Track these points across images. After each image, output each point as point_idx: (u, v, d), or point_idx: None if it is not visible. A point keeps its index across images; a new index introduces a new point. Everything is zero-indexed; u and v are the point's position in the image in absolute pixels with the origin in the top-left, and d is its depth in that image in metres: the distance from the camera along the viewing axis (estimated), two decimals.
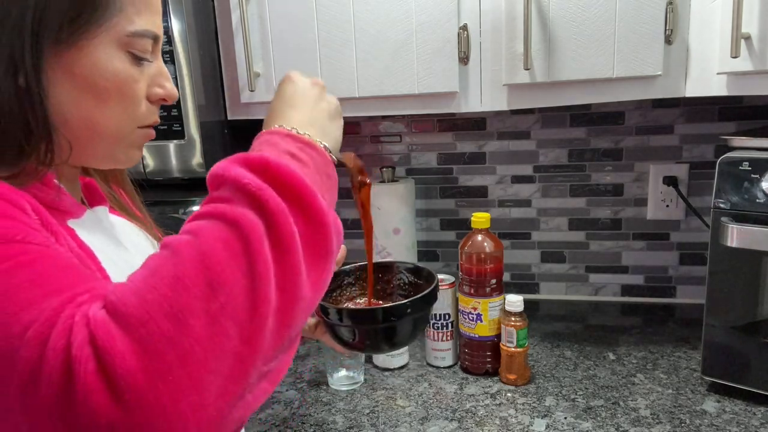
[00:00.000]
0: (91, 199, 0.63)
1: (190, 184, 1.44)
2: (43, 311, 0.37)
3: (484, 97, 1.05)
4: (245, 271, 0.40)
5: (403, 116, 1.42)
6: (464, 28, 1.02)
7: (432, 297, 0.70)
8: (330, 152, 0.53)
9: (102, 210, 0.62)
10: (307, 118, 0.55)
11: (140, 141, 0.58)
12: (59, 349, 0.35)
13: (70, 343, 0.35)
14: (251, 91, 1.11)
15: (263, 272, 0.40)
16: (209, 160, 1.11)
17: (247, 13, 1.07)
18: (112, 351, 0.35)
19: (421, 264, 0.82)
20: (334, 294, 0.79)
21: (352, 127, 1.46)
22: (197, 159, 1.09)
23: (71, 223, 0.55)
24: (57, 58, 0.49)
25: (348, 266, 0.81)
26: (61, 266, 0.42)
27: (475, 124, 1.39)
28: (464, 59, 1.03)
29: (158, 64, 0.57)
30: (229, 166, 0.45)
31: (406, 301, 0.67)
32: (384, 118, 1.43)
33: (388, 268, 0.83)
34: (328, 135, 0.56)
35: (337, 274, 0.78)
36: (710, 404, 0.95)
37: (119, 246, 0.61)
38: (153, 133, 0.59)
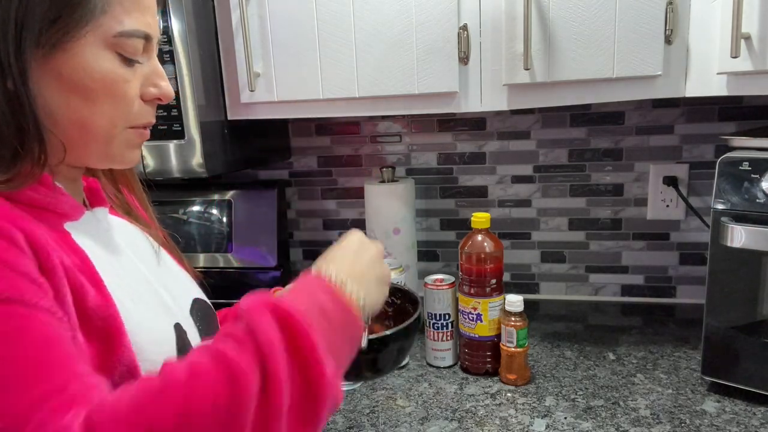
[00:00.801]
0: (93, 200, 0.63)
1: (189, 184, 1.43)
2: (19, 412, 0.38)
3: (484, 97, 1.05)
4: (223, 427, 0.41)
5: (403, 116, 1.42)
6: (464, 28, 1.02)
7: (416, 326, 0.69)
8: (364, 315, 0.54)
9: (102, 211, 0.62)
10: (357, 273, 0.56)
11: (135, 141, 0.58)
12: None
13: None
14: (251, 91, 1.10)
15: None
16: (209, 160, 1.11)
17: (247, 13, 1.07)
18: None
19: (403, 286, 0.79)
20: None
21: (352, 127, 1.46)
22: (197, 159, 1.09)
23: (68, 225, 0.55)
24: (44, 61, 0.49)
25: None
26: (50, 340, 0.42)
27: (475, 124, 1.39)
28: (464, 59, 1.03)
29: (153, 63, 0.57)
30: (258, 306, 0.47)
31: (388, 332, 0.65)
32: (384, 118, 1.43)
33: None
34: (370, 297, 0.57)
35: None
36: (710, 404, 0.95)
37: (116, 249, 0.60)
38: (147, 133, 0.59)
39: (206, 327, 0.66)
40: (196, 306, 0.66)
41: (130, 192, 0.69)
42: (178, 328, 0.59)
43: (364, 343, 0.56)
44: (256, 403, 0.42)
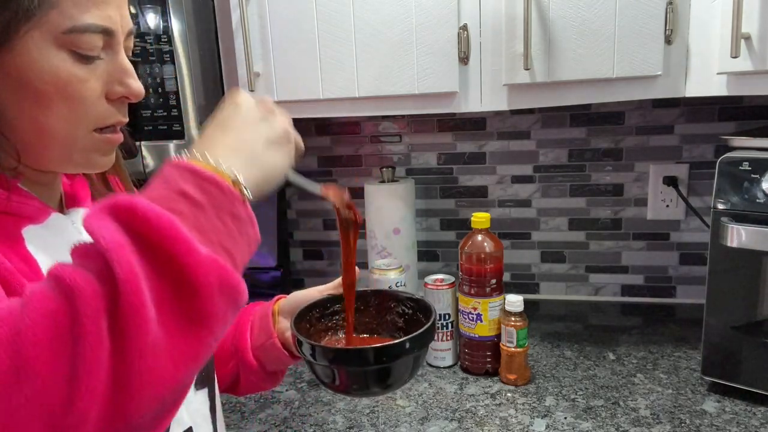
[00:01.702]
0: (72, 201, 0.60)
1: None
2: None
3: (484, 97, 1.05)
4: (68, 355, 0.35)
5: (403, 116, 1.42)
6: (464, 28, 1.02)
7: (431, 333, 0.62)
8: (244, 187, 0.45)
9: (76, 213, 0.59)
10: (233, 144, 0.48)
11: (102, 145, 0.53)
12: None
13: None
14: (251, 91, 1.11)
15: (90, 357, 0.35)
16: None
17: (247, 13, 1.07)
18: None
19: (414, 294, 0.72)
20: (321, 323, 0.71)
21: (352, 127, 1.46)
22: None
23: (28, 229, 0.52)
24: None
25: (337, 293, 0.71)
26: None
27: (475, 124, 1.39)
28: (464, 59, 1.03)
29: (118, 60, 0.52)
30: (93, 214, 0.40)
31: (401, 339, 0.58)
32: (384, 118, 1.43)
33: (379, 296, 0.74)
34: (256, 165, 0.48)
35: (323, 302, 0.71)
36: (710, 404, 0.95)
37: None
38: (117, 136, 0.54)
39: None
40: None
41: (120, 190, 0.65)
42: None
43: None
44: (106, 316, 0.36)
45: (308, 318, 0.68)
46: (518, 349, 1.04)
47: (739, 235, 0.88)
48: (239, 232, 0.44)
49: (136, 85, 0.53)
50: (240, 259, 0.44)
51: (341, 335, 0.72)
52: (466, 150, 1.41)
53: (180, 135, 1.08)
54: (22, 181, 0.53)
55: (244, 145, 0.48)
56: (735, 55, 0.83)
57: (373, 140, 1.45)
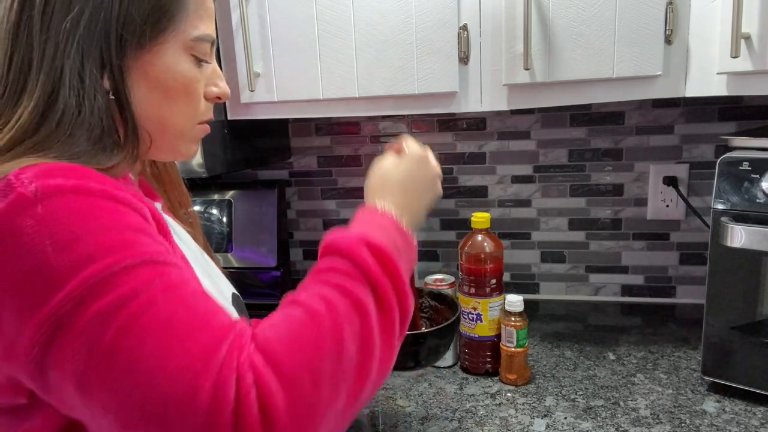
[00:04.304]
0: (148, 196, 0.65)
1: (189, 184, 1.43)
2: (207, 347, 0.42)
3: (484, 97, 1.05)
4: (360, 347, 0.48)
5: (403, 116, 1.42)
6: (464, 28, 1.01)
7: (456, 325, 0.85)
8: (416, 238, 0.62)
9: (158, 206, 0.64)
10: (410, 205, 0.64)
11: (199, 135, 0.63)
12: (230, 388, 0.41)
13: (239, 383, 0.41)
14: (251, 91, 1.10)
15: (370, 350, 0.49)
16: (209, 160, 1.11)
17: (247, 13, 1.07)
18: (270, 399, 0.42)
19: (444, 291, 0.95)
20: None
21: (352, 128, 1.46)
22: (197, 159, 1.09)
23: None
24: (135, 60, 0.54)
25: None
26: (198, 292, 0.47)
27: (475, 124, 1.39)
28: (464, 59, 1.03)
29: (214, 65, 0.62)
30: (356, 246, 0.52)
31: (433, 328, 0.82)
32: (384, 118, 1.43)
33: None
34: (417, 218, 0.66)
35: None
36: (710, 404, 0.95)
37: (183, 242, 0.63)
38: (208, 128, 0.64)
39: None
40: (235, 299, 0.68)
41: (171, 190, 0.72)
42: None
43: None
44: (378, 327, 0.50)
45: None
46: (518, 349, 1.04)
47: (739, 235, 0.88)
48: (411, 270, 0.60)
49: (227, 87, 0.64)
50: None
51: None
52: (466, 150, 1.41)
53: None
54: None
55: (416, 208, 0.66)
56: (735, 55, 0.83)
57: (373, 140, 1.45)
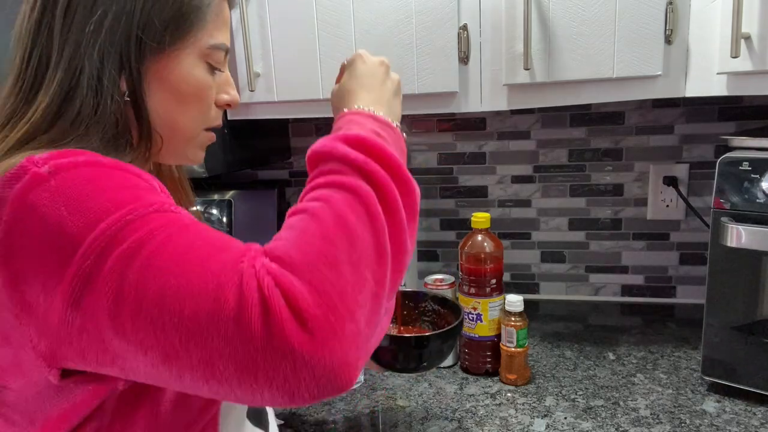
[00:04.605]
0: None
1: (190, 184, 1.43)
2: (226, 263, 0.44)
3: (484, 97, 1.05)
4: (370, 229, 0.48)
5: (403, 116, 1.41)
6: (464, 28, 1.01)
7: (459, 329, 0.85)
8: (397, 126, 0.62)
9: None
10: (377, 98, 0.64)
11: (206, 141, 0.64)
12: (254, 291, 0.42)
13: (261, 287, 0.42)
14: (251, 91, 1.10)
15: (381, 229, 0.49)
16: (209, 159, 1.11)
17: (247, 13, 1.07)
18: (294, 292, 0.42)
19: (446, 296, 0.95)
20: None
21: None
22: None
23: None
24: (153, 64, 0.55)
25: None
26: (209, 228, 0.48)
27: (475, 124, 1.39)
28: (464, 59, 1.03)
29: (226, 73, 0.64)
30: (333, 144, 0.52)
31: (438, 331, 0.83)
32: None
33: (414, 297, 0.96)
34: (393, 112, 0.66)
35: None
36: (710, 404, 0.95)
37: None
38: (214, 135, 0.65)
39: None
40: None
41: (175, 190, 0.72)
42: None
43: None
44: (380, 206, 0.50)
45: None
46: (518, 349, 1.04)
47: (739, 235, 0.88)
48: (405, 159, 0.60)
49: (237, 95, 0.65)
50: None
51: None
52: (466, 150, 1.41)
53: None
54: None
55: (382, 99, 0.65)
56: (735, 55, 0.83)
57: None
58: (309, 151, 0.54)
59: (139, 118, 0.55)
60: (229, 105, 0.65)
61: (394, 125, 0.61)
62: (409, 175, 0.55)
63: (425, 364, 0.83)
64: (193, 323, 0.42)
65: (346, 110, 0.61)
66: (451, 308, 0.91)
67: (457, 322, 0.84)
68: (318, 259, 0.45)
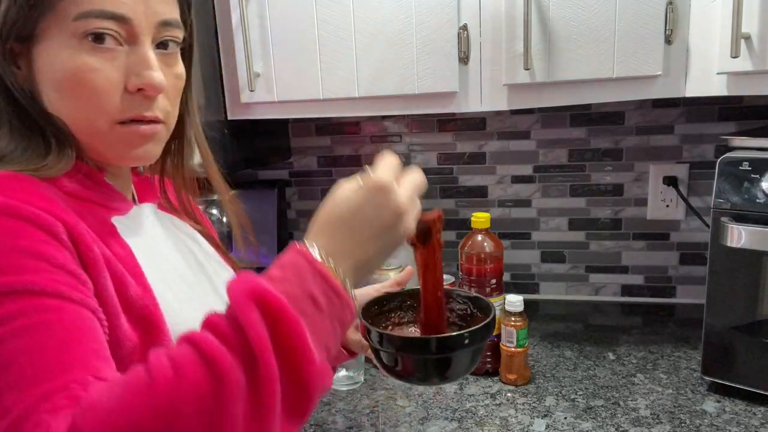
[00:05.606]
0: (142, 195, 0.64)
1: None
2: (36, 398, 0.39)
3: (484, 97, 1.05)
4: (203, 428, 0.39)
5: (403, 116, 1.42)
6: (464, 28, 1.01)
7: (491, 328, 0.63)
8: (354, 298, 0.48)
9: (149, 207, 0.63)
10: (351, 251, 0.48)
11: (130, 137, 0.53)
12: None
13: None
14: (251, 91, 1.10)
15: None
16: None
17: (247, 13, 1.07)
18: None
19: (471, 293, 0.75)
20: (380, 318, 0.72)
21: (352, 127, 1.46)
22: (197, 159, 1.09)
23: (115, 219, 0.56)
24: (26, 57, 0.50)
25: (393, 291, 0.76)
26: (65, 338, 0.42)
27: (475, 124, 1.39)
28: (464, 59, 1.03)
29: (140, 51, 0.51)
30: (246, 301, 0.42)
31: (463, 331, 0.61)
32: (384, 118, 1.43)
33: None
34: (366, 268, 0.50)
35: (380, 300, 0.73)
36: (710, 404, 0.95)
37: (159, 244, 0.61)
38: (147, 129, 0.53)
39: None
40: None
41: (178, 189, 0.69)
42: None
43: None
44: (245, 402, 0.40)
45: (369, 313, 0.70)
46: (518, 349, 1.04)
47: (739, 235, 0.88)
48: (341, 334, 0.47)
49: (152, 77, 0.51)
50: (334, 353, 0.48)
51: (409, 328, 0.74)
52: (466, 150, 1.41)
53: None
54: (107, 176, 0.57)
55: (360, 255, 0.48)
56: (735, 55, 0.83)
57: (373, 140, 1.45)
58: (235, 280, 0.44)
59: (41, 120, 0.50)
60: (143, 89, 0.51)
61: (344, 291, 0.46)
62: (315, 374, 0.43)
63: (448, 374, 0.64)
64: None
65: (306, 245, 0.47)
66: (479, 305, 0.72)
67: (489, 319, 0.63)
68: None
